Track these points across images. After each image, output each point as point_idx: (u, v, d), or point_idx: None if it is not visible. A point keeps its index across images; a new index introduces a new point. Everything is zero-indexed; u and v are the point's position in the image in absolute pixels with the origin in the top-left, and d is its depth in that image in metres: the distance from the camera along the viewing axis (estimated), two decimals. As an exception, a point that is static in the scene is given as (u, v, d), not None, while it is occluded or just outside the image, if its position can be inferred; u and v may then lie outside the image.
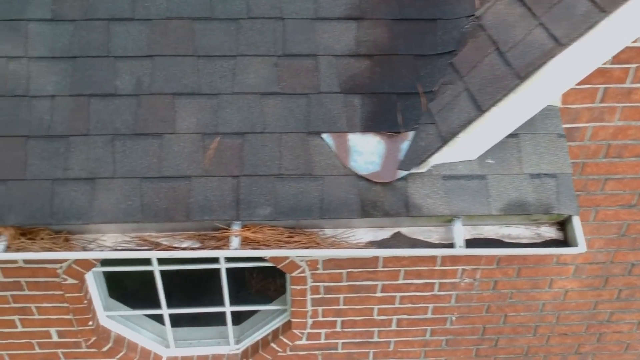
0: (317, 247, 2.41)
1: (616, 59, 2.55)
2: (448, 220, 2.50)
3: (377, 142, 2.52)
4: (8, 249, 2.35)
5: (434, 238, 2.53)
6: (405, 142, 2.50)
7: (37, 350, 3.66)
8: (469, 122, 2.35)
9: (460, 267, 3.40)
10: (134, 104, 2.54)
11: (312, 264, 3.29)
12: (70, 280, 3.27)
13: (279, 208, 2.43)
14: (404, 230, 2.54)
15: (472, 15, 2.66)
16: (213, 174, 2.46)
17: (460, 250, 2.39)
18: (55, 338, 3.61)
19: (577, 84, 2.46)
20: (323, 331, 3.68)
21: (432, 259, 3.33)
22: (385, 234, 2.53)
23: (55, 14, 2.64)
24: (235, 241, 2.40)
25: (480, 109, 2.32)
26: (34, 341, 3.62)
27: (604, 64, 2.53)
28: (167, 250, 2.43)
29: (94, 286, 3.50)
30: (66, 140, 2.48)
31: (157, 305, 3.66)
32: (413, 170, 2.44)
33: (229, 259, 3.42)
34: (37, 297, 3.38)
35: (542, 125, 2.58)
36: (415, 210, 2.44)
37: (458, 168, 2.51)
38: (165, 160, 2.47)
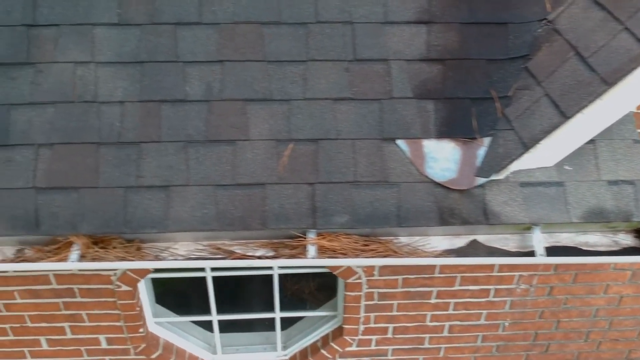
0: (395, 255, 2.37)
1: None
2: (525, 227, 2.46)
3: (453, 149, 2.48)
4: (82, 258, 2.31)
5: (510, 246, 2.49)
6: (481, 149, 2.46)
7: (86, 357, 3.61)
8: (553, 128, 2.31)
9: (517, 274, 3.36)
10: (204, 110, 2.50)
11: (369, 270, 3.25)
12: (124, 287, 3.22)
13: (356, 216, 2.39)
14: (480, 238, 2.50)
15: (544, 19, 2.62)
16: (288, 181, 2.42)
17: (541, 258, 2.36)
18: (104, 345, 3.57)
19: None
20: (374, 337, 3.64)
21: (490, 264, 3.28)
22: (461, 241, 2.49)
23: (121, 18, 2.60)
24: (312, 250, 2.36)
25: (565, 115, 2.28)
26: (82, 348, 3.58)
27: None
28: (243, 259, 2.39)
29: (144, 293, 3.46)
30: (137, 147, 2.44)
31: (203, 310, 3.61)
32: (493, 177, 2.39)
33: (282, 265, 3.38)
34: (88, 304, 3.33)
35: (617, 131, 2.54)
36: (494, 218, 2.40)
37: (535, 175, 2.47)
38: (239, 168, 2.43)
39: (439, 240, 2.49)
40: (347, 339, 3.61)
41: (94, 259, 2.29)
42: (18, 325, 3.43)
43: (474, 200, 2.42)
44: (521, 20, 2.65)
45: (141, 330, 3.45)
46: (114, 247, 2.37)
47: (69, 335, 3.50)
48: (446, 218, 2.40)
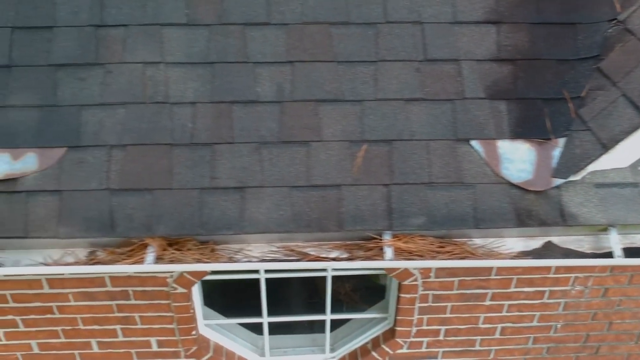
0: (473, 257, 2.35)
1: None
2: (601, 229, 2.44)
3: (527, 149, 2.46)
4: (159, 260, 2.29)
5: (585, 247, 2.47)
6: (556, 149, 2.44)
7: (135, 360, 3.60)
8: (633, 129, 2.29)
9: (573, 275, 3.33)
10: (276, 111, 2.48)
11: (425, 272, 3.23)
12: (180, 290, 3.20)
13: (432, 217, 2.37)
14: (555, 240, 2.48)
15: (614, 19, 2.60)
16: (363, 182, 2.40)
17: (619, 260, 2.33)
18: (154, 348, 3.54)
19: None
20: (425, 340, 3.62)
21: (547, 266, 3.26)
22: (536, 243, 2.47)
23: (189, 19, 2.58)
24: (389, 252, 2.34)
25: (646, 116, 2.26)
26: (133, 351, 3.56)
27: None
28: (318, 261, 2.37)
29: (196, 295, 3.44)
30: (211, 148, 2.42)
31: (246, 311, 3.58)
32: (570, 178, 2.37)
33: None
34: (142, 306, 3.31)
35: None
36: (571, 220, 2.38)
37: (610, 176, 2.45)
38: (313, 169, 2.41)
39: (513, 242, 2.47)
40: (398, 341, 3.58)
41: (172, 261, 2.27)
42: (70, 327, 3.41)
43: (550, 201, 2.40)
44: (590, 21, 2.63)
45: (193, 332, 3.43)
46: (189, 249, 2.35)
47: (120, 338, 3.48)
48: (523, 219, 2.37)
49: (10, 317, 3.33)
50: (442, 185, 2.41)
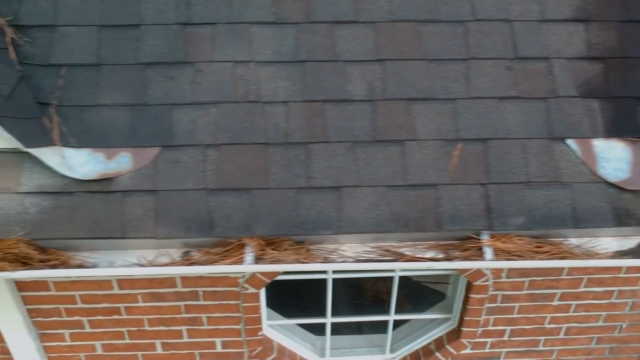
0: (572, 257, 2.33)
1: None
2: (697, 228, 2.42)
3: (623, 148, 2.44)
4: (258, 260, 2.26)
5: (681, 246, 2.45)
6: (652, 148, 2.42)
7: (198, 361, 3.57)
8: None
9: (645, 275, 3.31)
10: (369, 109, 2.46)
11: (497, 272, 3.21)
12: (251, 290, 3.18)
13: (532, 217, 2.35)
14: (651, 239, 2.45)
15: (703, 16, 2.57)
16: (460, 181, 2.38)
17: None
18: (218, 349, 3.52)
19: None
20: (489, 340, 3.59)
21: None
22: (632, 242, 2.45)
23: (277, 17, 2.56)
24: (488, 252, 2.31)
25: None
26: (196, 352, 3.53)
27: None
28: (414, 262, 2.34)
29: (263, 295, 3.41)
30: (305, 147, 2.39)
31: (301, 311, 3.56)
32: (669, 177, 2.36)
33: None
34: (210, 307, 3.29)
35: None
36: (670, 219, 2.36)
37: None
38: (409, 168, 2.38)
39: (608, 242, 2.45)
40: (463, 341, 3.56)
41: (273, 261, 2.24)
42: (136, 328, 3.39)
43: (648, 200, 2.38)
44: (679, 18, 2.61)
45: (260, 333, 3.41)
46: (285, 249, 2.32)
47: (185, 339, 3.46)
48: (622, 218, 2.35)
49: (76, 317, 3.31)
50: (540, 185, 2.38)
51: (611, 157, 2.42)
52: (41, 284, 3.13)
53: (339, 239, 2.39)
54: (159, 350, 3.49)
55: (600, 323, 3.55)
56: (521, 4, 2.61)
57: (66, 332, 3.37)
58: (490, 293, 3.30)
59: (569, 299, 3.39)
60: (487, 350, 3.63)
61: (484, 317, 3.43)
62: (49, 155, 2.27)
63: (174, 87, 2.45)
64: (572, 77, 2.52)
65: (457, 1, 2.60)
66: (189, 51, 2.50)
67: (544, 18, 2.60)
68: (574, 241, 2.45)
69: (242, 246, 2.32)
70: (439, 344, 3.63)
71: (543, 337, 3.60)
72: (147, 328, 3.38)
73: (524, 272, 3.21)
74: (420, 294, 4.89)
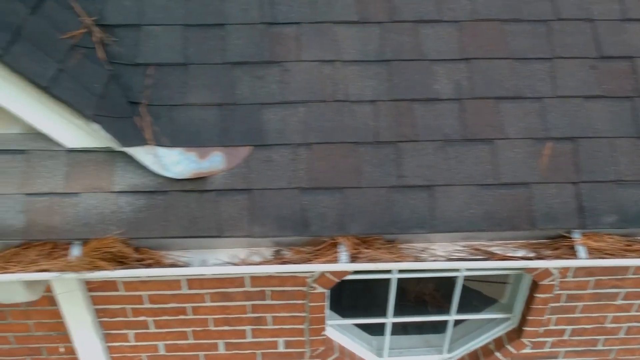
0: (665, 256, 2.33)
1: None
2: None
3: None
4: (354, 258, 2.26)
5: None
6: None
7: (259, 361, 3.57)
8: None
9: None
10: (456, 108, 2.46)
11: (563, 271, 3.21)
12: (319, 289, 3.18)
13: (624, 215, 2.35)
14: None
15: None
16: (551, 180, 2.38)
17: None
18: (281, 348, 3.52)
19: None
20: (550, 340, 3.59)
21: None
22: None
23: (361, 16, 2.57)
24: (581, 250, 2.31)
25: None
26: (258, 351, 3.53)
27: None
28: (505, 261, 2.34)
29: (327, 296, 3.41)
30: (395, 146, 2.40)
31: (354, 311, 3.57)
32: None
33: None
34: (276, 307, 3.29)
35: None
36: None
37: None
38: (500, 167, 2.39)
39: (697, 240, 2.45)
40: (524, 341, 3.56)
41: (370, 260, 2.24)
42: (200, 328, 3.39)
43: None
44: None
45: (323, 333, 3.41)
46: (378, 248, 2.32)
47: (249, 339, 3.46)
48: None
49: (142, 318, 3.31)
50: (630, 183, 2.39)
51: (698, 155, 2.42)
52: (111, 284, 3.13)
53: (430, 237, 2.39)
54: (222, 350, 3.50)
55: (661, 322, 3.54)
56: (602, 3, 2.62)
57: (131, 333, 3.37)
58: (556, 292, 3.30)
59: (633, 298, 3.39)
60: (546, 349, 3.63)
61: (546, 316, 3.42)
62: (143, 154, 2.27)
63: (262, 87, 2.45)
64: (657, 76, 2.53)
65: (538, 0, 2.60)
66: (275, 50, 2.50)
67: (626, 17, 2.60)
68: (662, 239, 2.45)
69: (334, 245, 2.32)
70: (498, 343, 3.62)
71: (603, 337, 3.60)
72: (212, 328, 3.38)
73: (590, 272, 3.21)
74: (463, 294, 4.87)
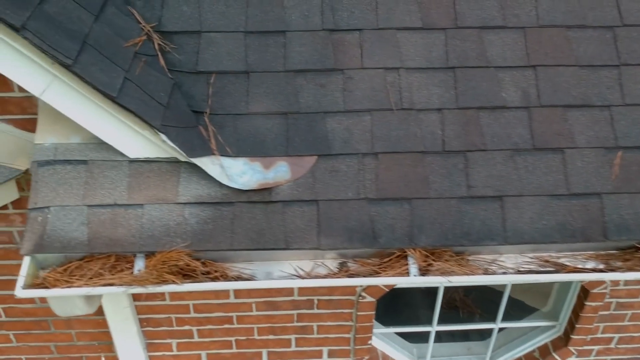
0: None
1: None
2: None
3: None
4: (424, 271, 2.21)
5: None
6: None
7: (302, 371, 3.53)
8: None
9: None
10: (525, 117, 2.41)
11: (615, 280, 3.17)
12: (368, 299, 3.13)
13: (698, 226, 2.30)
14: None
15: None
16: (623, 190, 2.33)
17: None
18: (324, 357, 3.48)
19: None
20: (596, 348, 3.56)
21: None
22: None
23: (424, 23, 2.51)
24: (654, 262, 2.27)
25: None
26: (301, 361, 3.49)
27: None
28: (575, 273, 2.30)
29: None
30: (463, 155, 2.35)
31: (397, 319, 3.54)
32: None
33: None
34: (323, 316, 3.25)
35: None
36: None
37: None
38: (571, 177, 2.34)
39: None
40: (571, 349, 3.52)
41: (442, 273, 2.19)
42: (244, 338, 3.35)
43: None
44: None
45: (369, 342, 3.37)
46: (446, 260, 2.27)
47: (293, 348, 3.42)
48: None
49: (187, 327, 3.27)
50: None
51: None
52: (157, 294, 3.08)
53: (498, 249, 2.34)
54: (265, 359, 3.45)
55: None
56: (666, 9, 2.56)
57: (174, 342, 3.32)
58: (606, 301, 3.26)
59: (684, 306, 3.35)
60: (592, 357, 3.59)
61: (595, 324, 3.38)
62: (210, 165, 2.22)
63: (325, 95, 2.40)
64: None
65: (603, 6, 2.56)
66: (338, 58, 2.45)
67: (693, 23, 2.55)
68: None
69: (402, 257, 2.27)
70: (544, 351, 3.58)
71: (650, 345, 3.56)
72: (256, 337, 3.34)
73: (643, 280, 3.17)
74: (490, 296, 4.82)
